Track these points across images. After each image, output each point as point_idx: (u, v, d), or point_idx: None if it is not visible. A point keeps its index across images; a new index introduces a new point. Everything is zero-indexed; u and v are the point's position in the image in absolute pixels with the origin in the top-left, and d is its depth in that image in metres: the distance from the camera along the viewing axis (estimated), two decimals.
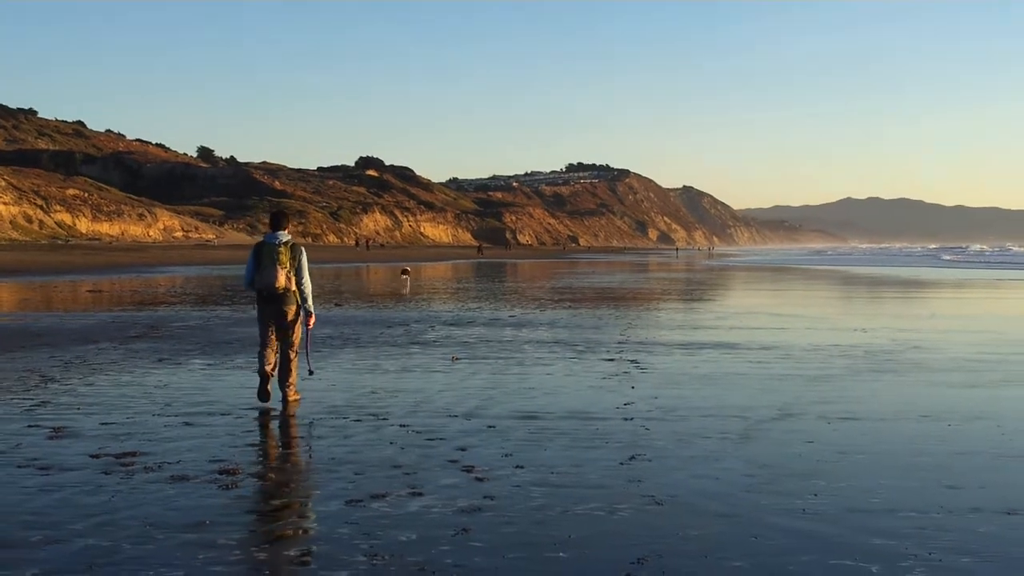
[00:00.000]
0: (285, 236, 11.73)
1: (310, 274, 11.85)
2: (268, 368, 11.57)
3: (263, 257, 11.55)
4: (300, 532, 6.71)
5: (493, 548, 6.38)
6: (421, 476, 8.20)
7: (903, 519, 7.09)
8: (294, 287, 11.62)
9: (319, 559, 6.14)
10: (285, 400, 11.71)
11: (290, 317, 11.69)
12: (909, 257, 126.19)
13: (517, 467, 8.54)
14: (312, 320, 11.95)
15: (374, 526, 6.80)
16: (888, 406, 11.81)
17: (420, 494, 7.62)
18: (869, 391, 13.00)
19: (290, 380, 11.80)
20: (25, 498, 7.47)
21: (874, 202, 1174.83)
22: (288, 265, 11.53)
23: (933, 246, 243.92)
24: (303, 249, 11.87)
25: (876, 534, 6.73)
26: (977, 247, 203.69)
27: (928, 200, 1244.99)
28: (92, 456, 8.84)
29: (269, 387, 11.55)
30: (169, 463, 8.58)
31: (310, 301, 11.81)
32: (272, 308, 11.65)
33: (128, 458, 8.75)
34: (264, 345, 11.69)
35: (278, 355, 11.74)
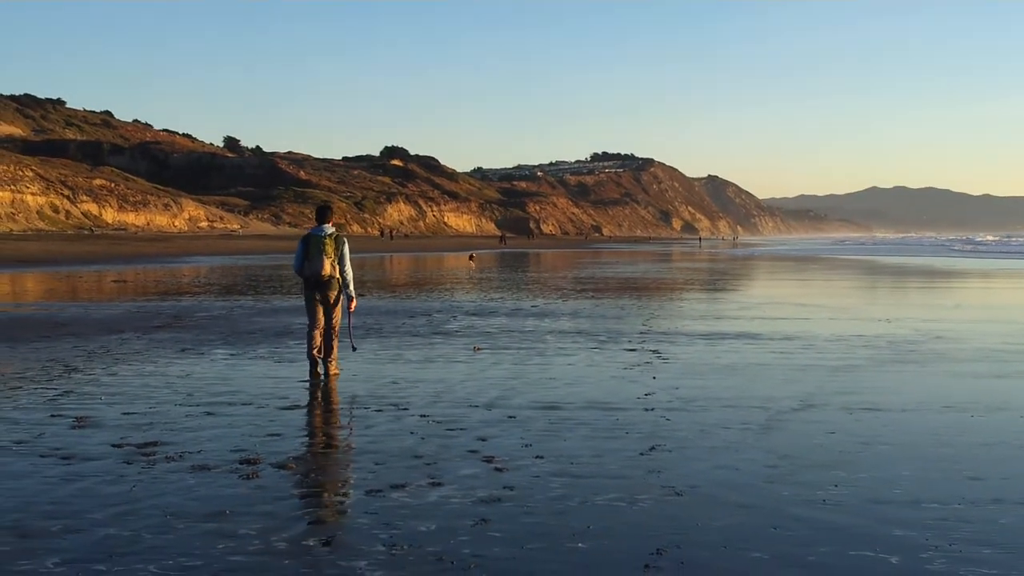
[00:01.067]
0: (330, 228, 13.26)
1: (351, 263, 13.39)
2: (315, 352, 13.11)
3: (311, 247, 13.12)
4: (320, 522, 6.72)
5: (512, 538, 6.38)
6: (441, 466, 8.20)
7: (924, 510, 7.05)
8: (338, 274, 13.18)
9: (338, 548, 6.15)
10: (327, 373, 13.11)
11: (333, 300, 13.21)
12: (920, 247, 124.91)
13: (537, 457, 8.54)
14: (353, 304, 13.50)
15: (393, 516, 6.81)
16: (911, 397, 11.74)
17: (440, 484, 7.63)
18: (892, 382, 12.92)
19: (332, 356, 13.25)
20: (47, 488, 7.51)
21: (900, 191, 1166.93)
22: (332, 255, 13.11)
23: (950, 236, 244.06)
24: (346, 240, 13.45)
25: (897, 525, 6.69)
26: (983, 236, 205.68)
27: (955, 189, 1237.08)
28: (114, 446, 8.88)
29: (319, 370, 13.11)
30: (190, 453, 8.62)
31: (352, 287, 13.40)
32: (318, 293, 13.19)
33: (150, 448, 8.79)
34: (312, 327, 13.19)
35: (324, 336, 13.19)
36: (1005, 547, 6.30)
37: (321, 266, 12.99)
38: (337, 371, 13.25)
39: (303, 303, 13.57)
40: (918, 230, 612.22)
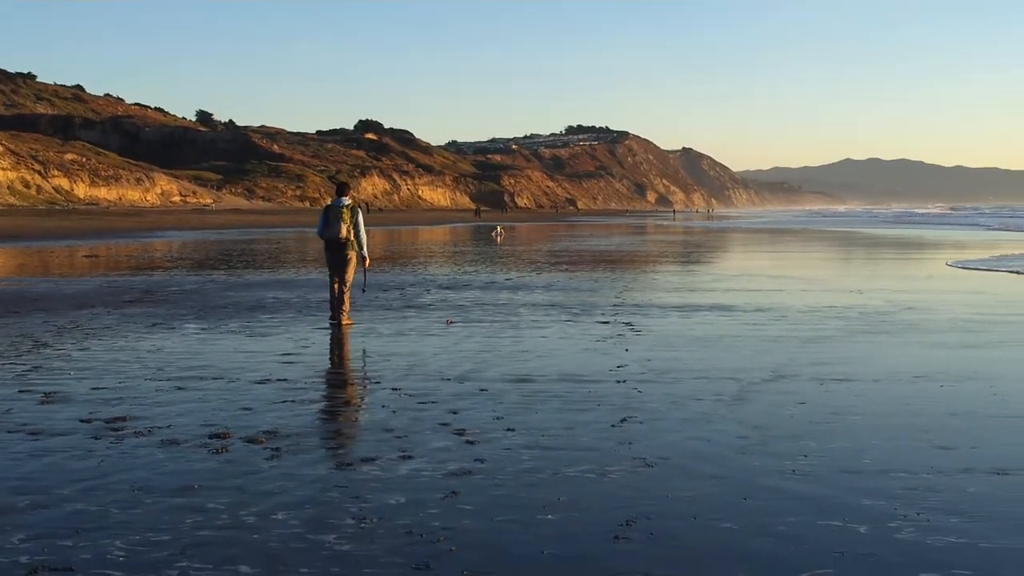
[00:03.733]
0: (347, 200, 16.01)
1: (365, 230, 16.14)
2: (334, 300, 15.94)
3: (331, 215, 15.89)
4: (289, 496, 6.68)
5: (482, 511, 6.37)
6: (412, 439, 8.18)
7: (893, 480, 7.09)
8: (352, 237, 15.85)
9: (308, 523, 6.12)
10: (339, 324, 15.61)
11: (346, 260, 15.83)
12: (857, 218, 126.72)
13: (508, 430, 8.53)
14: (368, 262, 16.42)
15: (363, 489, 6.79)
16: (882, 367, 11.80)
17: (410, 457, 7.61)
18: (863, 352, 12.99)
19: (344, 308, 15.84)
20: (14, 463, 7.45)
21: (874, 163, 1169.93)
22: (348, 221, 15.80)
23: (928, 208, 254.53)
24: (359, 210, 16.15)
25: (866, 495, 6.72)
26: (936, 208, 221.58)
27: (928, 161, 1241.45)
28: (83, 421, 8.82)
29: (333, 321, 15.84)
30: (160, 428, 8.56)
31: (366, 249, 16.16)
32: (335, 254, 15.92)
33: (119, 423, 8.73)
34: (332, 281, 15.96)
35: (337, 293, 15.83)
36: (973, 516, 6.33)
37: (339, 230, 15.69)
38: (349, 321, 15.77)
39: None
40: (890, 202, 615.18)
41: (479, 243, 51.98)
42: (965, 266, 31.03)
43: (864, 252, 44.40)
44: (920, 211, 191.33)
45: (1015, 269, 29.21)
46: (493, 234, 59.80)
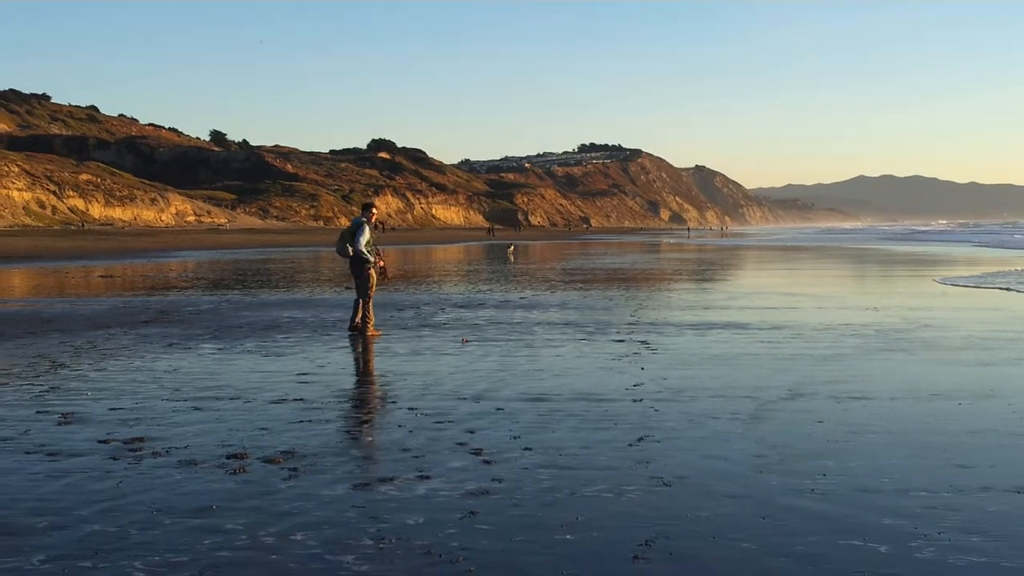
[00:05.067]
0: (363, 218, 17.28)
1: (369, 241, 17.15)
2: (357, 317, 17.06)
3: (344, 233, 17.22)
4: (307, 516, 6.68)
5: (500, 531, 6.36)
6: (429, 459, 8.18)
7: (913, 498, 7.05)
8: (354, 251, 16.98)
9: (326, 543, 6.12)
10: (365, 333, 16.60)
11: (360, 275, 17.01)
12: (887, 236, 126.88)
13: (525, 449, 8.52)
14: (380, 261, 17.42)
15: (381, 510, 6.79)
16: (899, 385, 11.75)
17: (428, 477, 7.61)
18: (880, 370, 12.94)
19: (368, 320, 16.86)
20: (33, 484, 7.47)
21: (888, 180, 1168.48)
22: (349, 239, 17.01)
23: (943, 222, 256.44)
24: (362, 223, 17.20)
25: (886, 514, 6.69)
26: (943, 222, 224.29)
27: (942, 178, 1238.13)
28: (100, 442, 8.84)
29: (356, 320, 17.06)
30: (177, 448, 8.58)
31: (366, 253, 17.01)
32: (351, 268, 17.31)
33: (136, 443, 8.75)
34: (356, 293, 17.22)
35: (360, 305, 16.91)
36: (993, 534, 6.30)
37: (342, 248, 17.15)
38: (374, 332, 16.77)
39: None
40: (904, 218, 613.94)
41: (493, 261, 51.99)
42: (956, 283, 30.91)
43: (878, 269, 44.27)
44: (923, 228, 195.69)
45: (1001, 285, 29.09)
46: (508, 252, 60.63)
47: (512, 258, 55.08)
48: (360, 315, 16.96)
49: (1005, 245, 75.69)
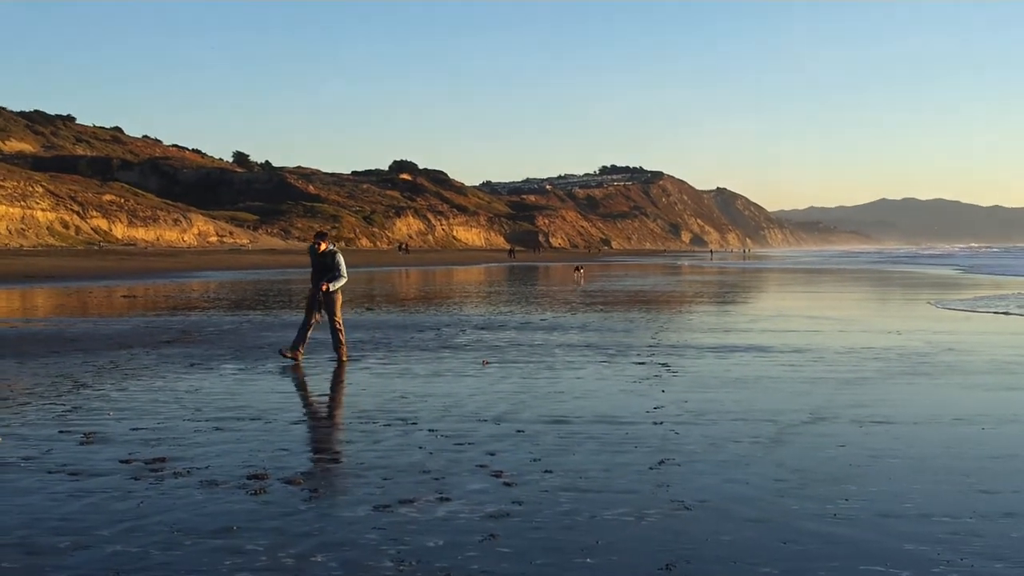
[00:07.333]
0: (333, 248, 16.99)
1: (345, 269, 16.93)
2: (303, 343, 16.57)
3: (320, 266, 16.80)
4: (328, 537, 6.69)
5: (520, 553, 6.35)
6: (449, 481, 8.18)
7: (936, 524, 7.01)
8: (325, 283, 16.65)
9: (346, 564, 6.13)
10: (340, 360, 16.28)
11: (329, 300, 16.69)
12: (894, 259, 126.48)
13: (546, 472, 8.51)
14: (325, 287, 16.61)
15: (401, 531, 6.79)
16: (922, 409, 11.70)
17: (448, 499, 7.60)
18: (903, 394, 12.88)
19: (340, 346, 16.58)
20: (55, 504, 7.50)
21: (910, 203, 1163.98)
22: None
23: (960, 246, 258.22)
24: (335, 252, 16.93)
25: (908, 539, 6.65)
26: (959, 246, 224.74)
27: (965, 201, 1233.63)
28: (122, 461, 8.87)
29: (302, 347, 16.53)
30: (198, 468, 8.60)
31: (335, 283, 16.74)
32: (324, 296, 16.73)
33: (158, 463, 8.78)
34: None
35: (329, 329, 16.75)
36: (1017, 561, 6.25)
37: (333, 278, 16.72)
38: (344, 358, 16.39)
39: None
40: (927, 241, 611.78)
41: (514, 283, 52.02)
42: (976, 308, 30.74)
43: (900, 292, 44.05)
44: (926, 252, 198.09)
45: (995, 309, 28.91)
46: (575, 274, 61.32)
47: (581, 281, 54.38)
48: (308, 340, 16.67)
49: None
